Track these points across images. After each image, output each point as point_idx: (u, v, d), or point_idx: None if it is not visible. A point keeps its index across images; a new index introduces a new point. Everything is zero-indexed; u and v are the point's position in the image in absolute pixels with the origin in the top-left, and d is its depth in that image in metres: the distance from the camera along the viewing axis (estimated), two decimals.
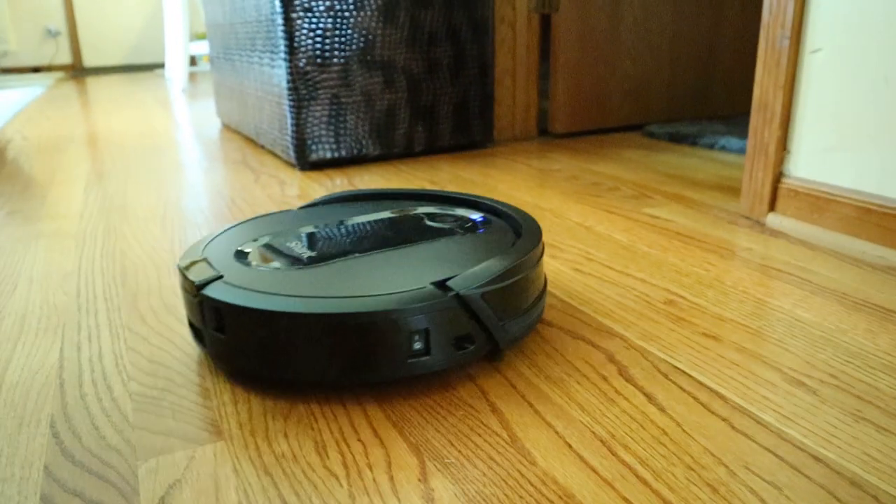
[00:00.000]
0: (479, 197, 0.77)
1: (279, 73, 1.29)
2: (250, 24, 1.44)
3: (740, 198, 1.03)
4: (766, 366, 0.56)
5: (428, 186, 1.18)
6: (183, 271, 0.58)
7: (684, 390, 0.53)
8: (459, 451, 0.46)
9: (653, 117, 1.73)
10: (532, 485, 0.42)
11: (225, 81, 1.81)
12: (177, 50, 3.31)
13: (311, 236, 0.67)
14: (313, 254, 0.62)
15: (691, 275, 0.76)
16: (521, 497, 0.41)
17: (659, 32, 1.66)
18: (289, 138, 1.31)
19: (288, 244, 0.65)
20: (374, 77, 1.33)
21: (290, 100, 1.27)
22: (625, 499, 0.41)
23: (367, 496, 0.42)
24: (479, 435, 0.48)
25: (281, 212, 0.76)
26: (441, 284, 0.54)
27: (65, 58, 5.37)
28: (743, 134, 1.51)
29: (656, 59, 1.68)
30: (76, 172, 1.41)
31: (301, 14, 1.24)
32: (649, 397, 0.52)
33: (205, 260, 0.61)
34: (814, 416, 0.49)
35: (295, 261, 0.60)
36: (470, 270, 0.55)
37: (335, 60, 1.28)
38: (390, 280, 0.55)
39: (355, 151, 1.35)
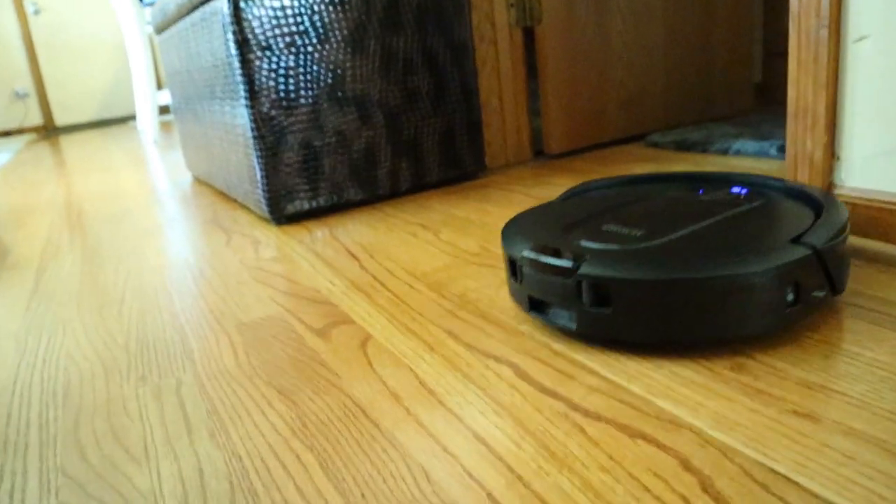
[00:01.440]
0: (720, 173, 0.82)
1: (242, 121, 1.16)
2: (207, 70, 1.31)
3: None
4: (891, 456, 0.43)
5: (419, 230, 1.04)
6: (540, 258, 0.61)
7: None
8: None
9: (652, 125, 1.61)
10: None
11: (189, 132, 1.68)
12: (145, 100, 3.18)
13: (615, 218, 0.70)
14: (642, 231, 0.65)
15: None
16: None
17: (651, 34, 1.54)
18: (260, 191, 1.17)
19: (603, 227, 0.68)
20: (347, 115, 1.19)
21: (257, 148, 1.14)
22: None
23: None
24: None
25: (548, 202, 0.81)
26: (797, 241, 0.58)
27: (35, 119, 5.25)
28: (756, 135, 1.38)
29: (651, 64, 1.56)
30: (32, 249, 1.27)
31: (259, 54, 1.11)
32: None
33: (545, 247, 0.63)
34: None
35: (629, 239, 0.63)
36: (814, 229, 0.60)
37: (302, 101, 1.15)
38: (746, 243, 0.59)
39: (335, 198, 1.21)
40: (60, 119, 5.28)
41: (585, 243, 0.64)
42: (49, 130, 5.27)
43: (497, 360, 0.61)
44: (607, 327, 0.59)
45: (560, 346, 0.62)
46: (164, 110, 5.35)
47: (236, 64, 1.11)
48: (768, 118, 1.59)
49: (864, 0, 0.72)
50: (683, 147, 1.42)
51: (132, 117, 5.50)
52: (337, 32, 1.16)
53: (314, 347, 0.68)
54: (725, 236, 0.62)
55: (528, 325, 0.67)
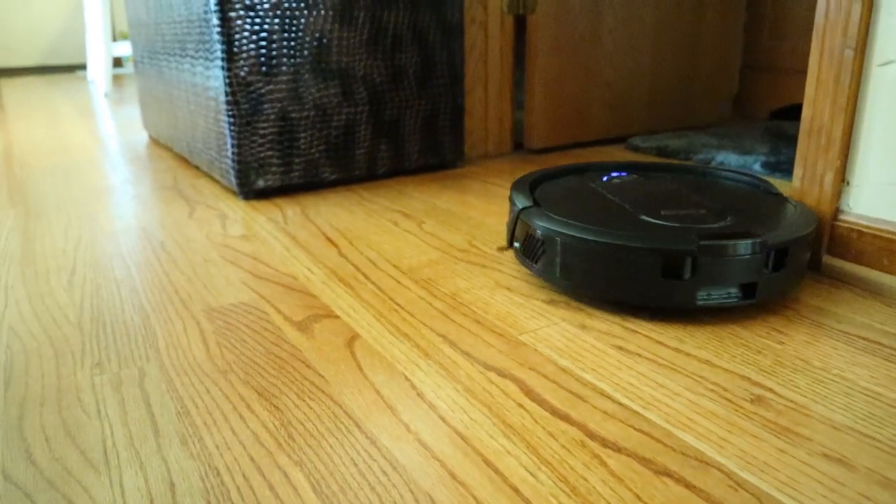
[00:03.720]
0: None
1: (215, 84, 1.08)
2: (179, 24, 1.21)
3: None
4: None
5: (400, 219, 0.99)
6: (724, 243, 0.63)
7: None
8: None
9: (634, 129, 1.58)
10: None
11: (151, 89, 1.57)
12: (98, 50, 3.01)
13: (658, 203, 0.77)
14: (703, 211, 0.74)
15: (765, 351, 0.60)
16: None
17: (640, 37, 1.51)
18: (229, 161, 1.09)
19: (662, 212, 0.73)
20: (329, 88, 1.12)
21: (230, 115, 1.06)
22: None
23: None
24: None
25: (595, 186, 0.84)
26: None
27: None
28: (738, 149, 1.37)
29: (637, 66, 1.53)
30: None
31: (241, 13, 1.03)
32: None
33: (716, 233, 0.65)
34: None
35: (707, 217, 0.72)
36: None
37: (283, 68, 1.08)
38: None
39: (309, 176, 1.14)
40: (2, 61, 4.98)
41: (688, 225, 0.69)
42: None
43: (500, 373, 0.56)
44: (780, 288, 0.66)
45: (566, 361, 0.58)
46: (115, 62, 5.11)
47: (215, 21, 1.02)
48: (747, 131, 1.58)
49: (894, 23, 0.69)
50: (665, 154, 1.39)
51: (81, 66, 5.23)
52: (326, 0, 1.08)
53: (295, 343, 0.62)
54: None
55: (528, 336, 0.62)
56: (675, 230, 0.68)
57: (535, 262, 0.72)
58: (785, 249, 0.65)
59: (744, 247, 0.63)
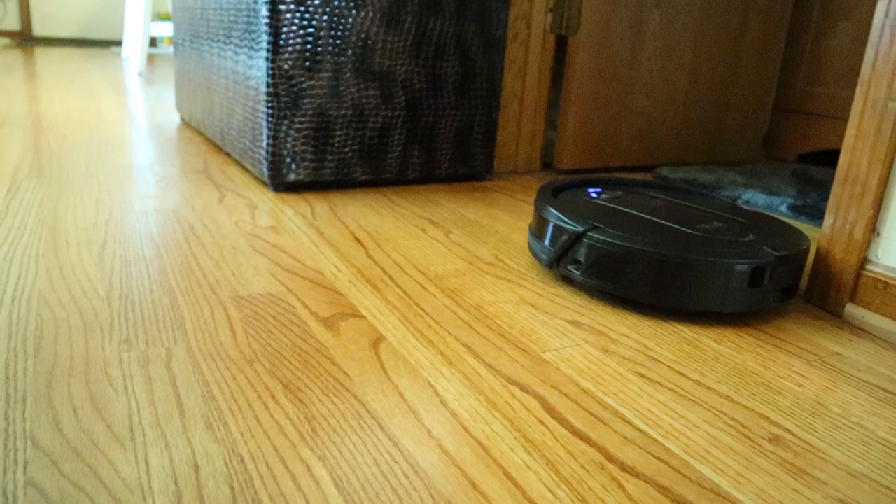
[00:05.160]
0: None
1: (257, 74, 1.09)
2: (226, 12, 1.23)
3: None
4: None
5: (428, 226, 0.99)
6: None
7: None
8: None
9: (662, 159, 1.58)
10: None
11: (189, 73, 1.59)
12: (136, 29, 3.04)
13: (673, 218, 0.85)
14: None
15: (784, 392, 0.60)
16: None
17: (678, 67, 1.51)
18: (262, 152, 1.10)
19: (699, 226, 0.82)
20: (369, 89, 1.13)
21: (269, 106, 1.07)
22: None
23: None
24: None
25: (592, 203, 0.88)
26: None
27: (12, 23, 4.99)
28: (765, 188, 1.37)
29: (672, 97, 1.53)
30: (2, 166, 1.18)
31: (291, 7, 1.04)
32: None
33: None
34: None
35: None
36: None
37: (327, 66, 1.09)
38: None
39: (340, 174, 1.15)
40: (39, 29, 5.04)
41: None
42: (25, 38, 5.03)
43: (522, 388, 0.56)
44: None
45: (587, 383, 0.58)
46: (150, 42, 5.15)
47: (264, 12, 1.04)
48: (775, 172, 1.58)
49: None
50: (693, 187, 1.39)
51: (115, 43, 5.29)
52: (375, 2, 1.09)
53: (321, 339, 0.62)
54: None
55: (551, 354, 0.63)
56: (748, 244, 0.76)
57: (607, 281, 0.75)
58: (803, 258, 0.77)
59: (799, 255, 0.75)
